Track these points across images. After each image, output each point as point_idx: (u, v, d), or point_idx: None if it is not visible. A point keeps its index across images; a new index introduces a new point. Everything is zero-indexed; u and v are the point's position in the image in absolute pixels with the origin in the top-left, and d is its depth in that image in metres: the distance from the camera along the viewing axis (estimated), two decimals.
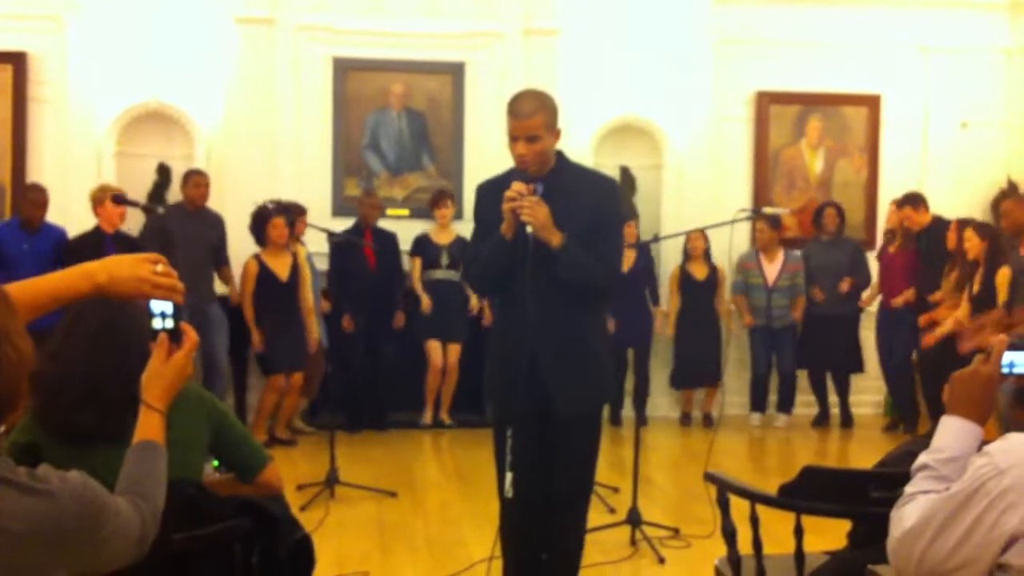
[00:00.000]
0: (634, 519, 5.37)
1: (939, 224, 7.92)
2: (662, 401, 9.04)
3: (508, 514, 3.84)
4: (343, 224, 8.34)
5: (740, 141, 9.37)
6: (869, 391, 9.00)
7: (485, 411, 8.64)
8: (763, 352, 8.75)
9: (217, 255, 8.02)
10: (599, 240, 3.76)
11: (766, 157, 9.39)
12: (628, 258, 8.26)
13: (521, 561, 4.04)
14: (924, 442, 2.27)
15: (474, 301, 8.40)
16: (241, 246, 8.02)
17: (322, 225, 7.68)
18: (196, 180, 7.89)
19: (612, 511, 5.74)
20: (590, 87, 8.90)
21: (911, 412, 8.41)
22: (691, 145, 9.05)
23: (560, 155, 3.89)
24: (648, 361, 8.73)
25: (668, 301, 8.90)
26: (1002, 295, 6.87)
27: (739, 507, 3.13)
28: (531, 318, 3.69)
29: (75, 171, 8.09)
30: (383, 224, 8.48)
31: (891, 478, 2.67)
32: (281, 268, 7.81)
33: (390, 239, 8.42)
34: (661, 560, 5.13)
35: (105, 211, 7.27)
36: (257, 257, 7.81)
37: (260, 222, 7.81)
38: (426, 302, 8.35)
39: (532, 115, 3.72)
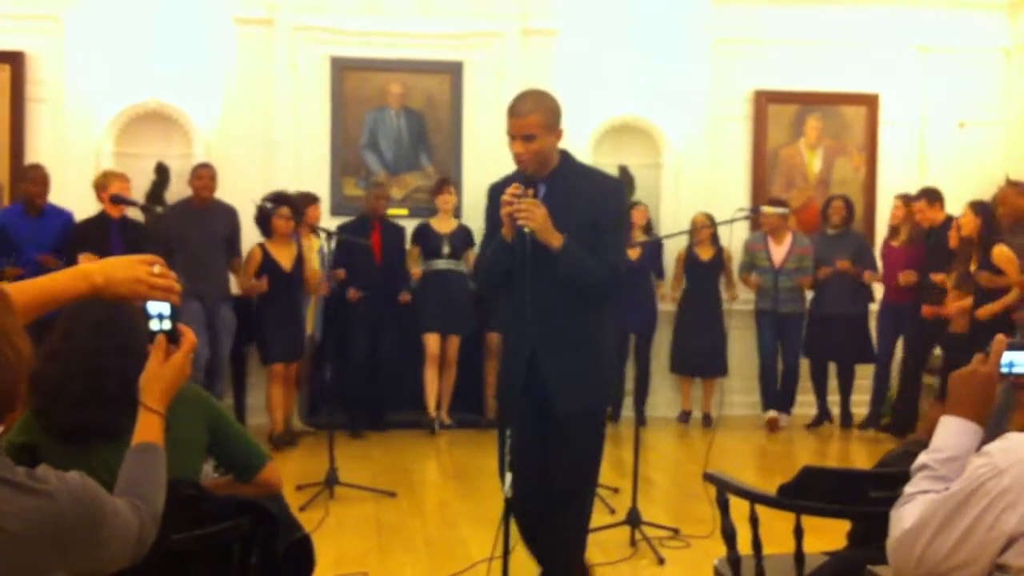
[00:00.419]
0: (634, 519, 5.37)
1: (950, 223, 7.90)
2: (661, 400, 9.03)
3: (513, 512, 3.83)
4: (341, 223, 8.35)
5: (738, 140, 9.37)
6: (870, 391, 8.98)
7: (484, 411, 8.67)
8: (770, 338, 8.71)
9: (230, 248, 7.95)
10: (601, 239, 3.76)
11: (764, 156, 9.39)
12: (633, 247, 8.29)
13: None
14: (922, 442, 2.27)
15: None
16: (245, 240, 8.03)
17: (321, 224, 7.70)
18: (199, 172, 7.87)
19: (612, 511, 5.73)
20: (588, 86, 8.90)
21: (912, 410, 8.39)
22: (689, 144, 9.06)
23: (564, 155, 3.89)
24: (649, 349, 8.74)
25: (671, 284, 8.89)
26: (1012, 272, 6.89)
27: (739, 507, 3.13)
28: (530, 317, 3.69)
29: (73, 171, 8.08)
30: None
31: (890, 478, 2.68)
32: (285, 258, 7.81)
33: (398, 232, 8.42)
34: (661, 560, 5.13)
35: (108, 196, 7.27)
36: (261, 246, 7.82)
37: (264, 217, 7.82)
38: (405, 296, 8.34)
39: (528, 114, 3.75)
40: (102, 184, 7.40)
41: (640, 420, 6.10)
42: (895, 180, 9.22)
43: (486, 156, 8.77)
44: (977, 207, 7.28)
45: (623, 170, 9.20)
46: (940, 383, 7.98)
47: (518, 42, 8.93)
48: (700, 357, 8.74)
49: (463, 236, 8.47)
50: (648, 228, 8.77)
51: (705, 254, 8.79)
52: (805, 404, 8.87)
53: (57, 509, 1.63)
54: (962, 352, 6.76)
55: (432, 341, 8.37)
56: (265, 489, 2.93)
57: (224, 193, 7.96)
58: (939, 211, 8.13)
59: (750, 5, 9.16)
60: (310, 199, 8.15)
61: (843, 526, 3.22)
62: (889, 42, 9.39)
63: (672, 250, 8.90)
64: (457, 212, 8.74)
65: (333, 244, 6.83)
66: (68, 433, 2.65)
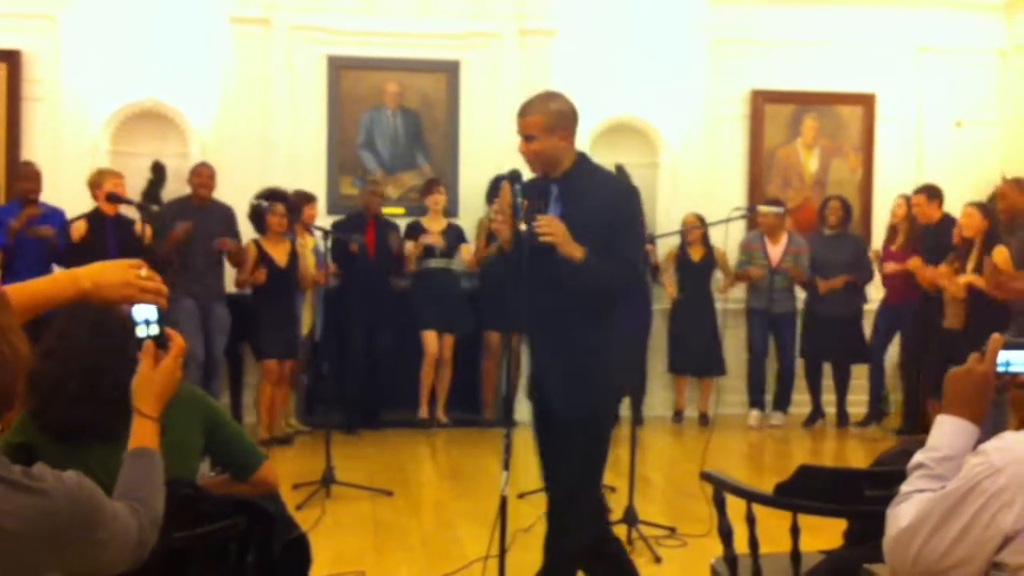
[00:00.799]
0: (630, 518, 5.37)
1: (947, 221, 7.89)
2: (657, 400, 9.03)
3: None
4: (336, 221, 8.37)
5: (735, 140, 9.38)
6: (866, 390, 8.99)
7: (481, 410, 8.68)
8: (761, 336, 8.74)
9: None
10: (617, 239, 3.77)
11: (761, 156, 9.40)
12: None
13: None
14: (918, 441, 2.27)
15: None
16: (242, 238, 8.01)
17: (317, 223, 7.70)
18: (199, 171, 7.88)
19: (608, 510, 5.72)
20: (585, 86, 8.85)
21: (915, 408, 8.41)
22: (686, 144, 9.06)
23: (580, 157, 3.93)
24: (645, 351, 8.75)
25: (665, 283, 8.89)
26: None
27: (735, 506, 3.14)
28: (527, 322, 3.73)
29: (69, 170, 8.06)
30: None
31: (886, 477, 2.68)
32: (280, 254, 7.81)
33: (392, 229, 8.42)
34: (657, 559, 5.14)
35: (103, 193, 7.28)
36: (256, 242, 7.82)
37: (258, 214, 7.82)
38: (397, 282, 8.35)
39: (529, 115, 3.80)
40: (96, 182, 7.41)
41: (637, 419, 6.11)
42: (892, 180, 9.24)
43: (482, 155, 8.78)
44: (982, 208, 7.28)
45: (619, 169, 9.19)
46: (931, 379, 7.99)
47: (515, 42, 8.94)
48: (695, 356, 8.76)
49: (454, 235, 8.48)
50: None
51: (696, 254, 8.80)
52: (802, 403, 8.88)
53: (53, 507, 1.63)
54: (954, 348, 6.82)
55: (431, 339, 8.37)
56: (262, 488, 2.93)
57: (221, 192, 7.96)
58: (937, 209, 8.13)
59: (747, 5, 9.17)
60: (307, 198, 8.16)
61: (839, 525, 3.22)
62: (886, 42, 9.40)
63: (666, 250, 8.92)
64: (453, 210, 8.74)
65: (329, 242, 6.83)
66: (64, 432, 2.66)
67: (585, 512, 3.98)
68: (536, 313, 3.70)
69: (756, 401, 8.82)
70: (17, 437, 2.64)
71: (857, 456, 7.77)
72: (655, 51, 8.95)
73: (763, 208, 8.15)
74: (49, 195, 7.60)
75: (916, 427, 8.14)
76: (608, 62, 8.91)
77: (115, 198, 7.09)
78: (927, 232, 8.12)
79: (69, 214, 7.52)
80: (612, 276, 3.76)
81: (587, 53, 8.92)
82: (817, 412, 8.80)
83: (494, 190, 8.59)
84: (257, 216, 7.81)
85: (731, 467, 6.99)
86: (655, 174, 9.17)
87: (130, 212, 7.52)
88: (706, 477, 3.40)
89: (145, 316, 2.23)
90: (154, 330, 2.23)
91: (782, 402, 8.81)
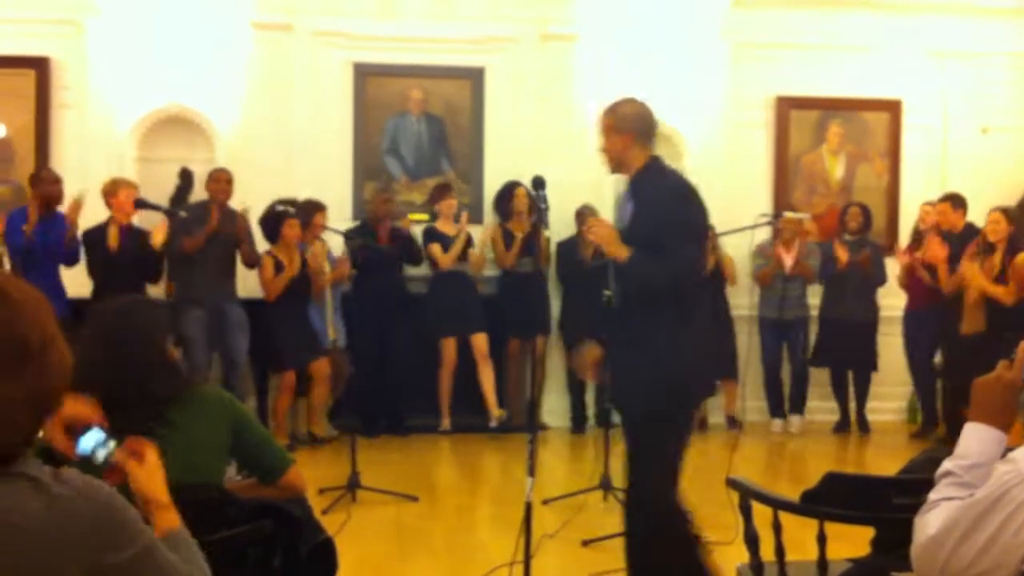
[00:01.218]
0: None
1: (970, 231, 7.87)
2: None
3: None
4: (348, 228, 8.39)
5: (760, 146, 9.35)
6: (889, 397, 8.95)
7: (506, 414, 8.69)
8: (772, 345, 8.72)
9: (242, 251, 7.91)
10: (665, 243, 3.86)
11: (786, 162, 9.36)
12: None
13: None
14: (947, 449, 2.26)
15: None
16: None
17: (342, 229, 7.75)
18: (217, 176, 7.90)
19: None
20: (607, 91, 8.84)
21: (932, 416, 8.39)
22: (709, 150, 9.03)
23: (651, 160, 4.09)
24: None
25: None
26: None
27: (761, 513, 3.12)
28: (603, 324, 3.97)
29: (97, 176, 8.10)
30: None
31: (914, 485, 2.66)
32: (291, 263, 7.85)
33: (404, 235, 8.45)
34: None
35: (117, 202, 7.35)
36: (270, 253, 7.86)
37: (271, 222, 7.85)
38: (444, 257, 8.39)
39: (601, 116, 4.14)
40: (111, 191, 7.47)
41: None
42: (918, 186, 9.20)
43: (506, 161, 8.79)
44: (1008, 213, 7.26)
45: None
46: (950, 386, 7.96)
47: (536, 47, 8.95)
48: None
49: (470, 240, 8.52)
50: None
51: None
52: (824, 410, 8.84)
53: (76, 510, 1.63)
54: (972, 354, 6.80)
55: (449, 346, 8.39)
56: (289, 492, 2.94)
57: (245, 198, 7.98)
58: (961, 217, 8.12)
59: (770, 10, 9.14)
60: (317, 206, 8.16)
61: (867, 533, 3.20)
62: (911, 48, 9.35)
63: None
64: (478, 216, 8.76)
65: (345, 246, 6.86)
66: None
67: (651, 514, 3.99)
68: (610, 315, 3.89)
69: (776, 410, 8.79)
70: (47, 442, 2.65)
71: (882, 463, 7.72)
72: (677, 56, 8.94)
73: (789, 214, 8.13)
74: None
75: (931, 433, 8.16)
76: (630, 67, 8.90)
77: (143, 204, 7.15)
78: (950, 240, 8.10)
79: (95, 220, 7.57)
80: (653, 276, 3.85)
81: (609, 58, 8.92)
82: (845, 420, 8.76)
83: (505, 196, 8.61)
84: (270, 224, 7.84)
85: (754, 474, 6.96)
86: None
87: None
88: (732, 484, 3.39)
89: (94, 442, 2.19)
90: (112, 444, 2.19)
91: (797, 406, 8.78)
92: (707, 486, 6.75)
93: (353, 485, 6.21)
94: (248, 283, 8.08)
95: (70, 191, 7.59)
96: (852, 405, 8.79)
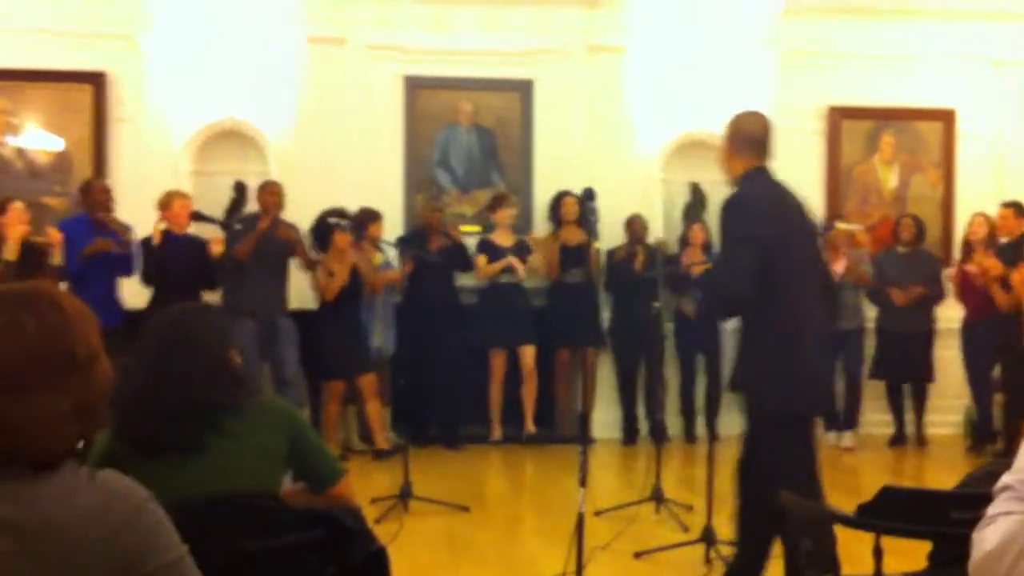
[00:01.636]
0: (708, 538, 5.31)
1: None
2: (735, 418, 8.91)
3: None
4: (399, 236, 8.48)
5: (811, 156, 9.27)
6: (947, 410, 8.82)
7: (556, 426, 8.69)
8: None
9: (294, 261, 8.00)
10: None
11: (838, 172, 9.29)
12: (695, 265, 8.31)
13: None
14: (1006, 462, 2.23)
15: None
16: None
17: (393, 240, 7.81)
18: (270, 188, 7.97)
19: (685, 529, 5.69)
20: (657, 103, 8.90)
21: (990, 429, 8.27)
22: None
23: (749, 170, 4.17)
24: (719, 368, 8.66)
25: None
26: None
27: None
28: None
29: (153, 189, 8.20)
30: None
31: (972, 499, 2.63)
32: (342, 271, 7.90)
33: (456, 244, 8.49)
34: None
35: (172, 213, 7.43)
36: (323, 265, 7.90)
37: (323, 231, 7.91)
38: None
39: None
40: (165, 203, 7.56)
41: (712, 435, 6.06)
42: (973, 196, 9.07)
43: (556, 172, 8.81)
44: None
45: (694, 187, 9.16)
46: (1009, 399, 7.86)
47: (585, 59, 8.96)
48: None
49: (522, 250, 8.52)
50: (707, 247, 8.62)
51: None
52: (879, 423, 8.74)
53: (110, 512, 1.65)
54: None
55: (498, 358, 8.40)
56: (338, 502, 2.95)
57: (297, 210, 8.05)
58: (1021, 225, 8.03)
59: (820, 19, 9.07)
60: (372, 215, 8.21)
61: (923, 547, 3.16)
62: (964, 56, 9.24)
63: None
64: (526, 227, 8.78)
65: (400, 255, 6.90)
66: (143, 445, 2.66)
67: (742, 522, 4.13)
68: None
69: (830, 424, 8.68)
70: (104, 449, 2.68)
71: (939, 477, 7.62)
72: (726, 66, 8.90)
73: (841, 225, 8.06)
74: (133, 214, 7.74)
75: (989, 446, 8.04)
76: (678, 78, 8.89)
77: (199, 216, 7.23)
78: (1005, 249, 8.00)
79: (150, 231, 7.66)
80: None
81: (658, 69, 8.91)
82: (901, 433, 8.65)
83: (554, 205, 8.63)
84: (321, 233, 7.90)
85: None
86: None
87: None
88: (781, 500, 3.36)
89: None
90: None
91: (851, 421, 8.67)
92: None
93: (405, 495, 6.24)
94: (299, 294, 8.14)
95: (126, 203, 7.70)
96: (908, 418, 8.67)
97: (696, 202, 9.12)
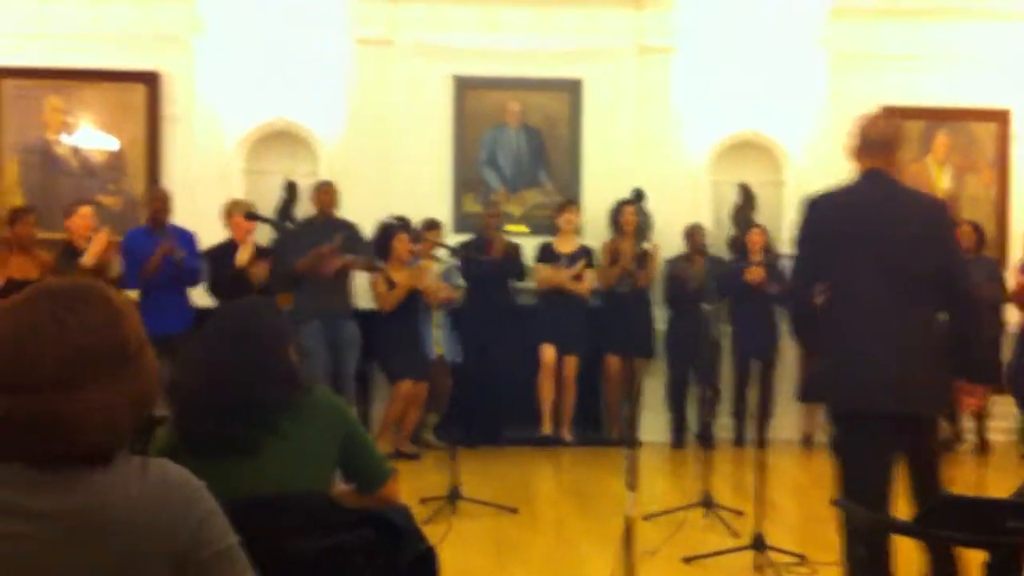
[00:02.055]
0: (758, 544, 5.25)
1: None
2: (785, 422, 8.83)
3: None
4: (462, 240, 8.49)
5: None
6: (1005, 417, 8.67)
7: (603, 428, 8.66)
8: None
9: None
10: None
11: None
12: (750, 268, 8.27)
13: None
14: None
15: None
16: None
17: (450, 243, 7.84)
18: (325, 188, 8.02)
19: (736, 535, 5.64)
20: (706, 103, 8.85)
21: None
22: (811, 161, 8.86)
23: (863, 173, 4.23)
24: (773, 375, 8.58)
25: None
26: None
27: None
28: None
29: (204, 187, 8.31)
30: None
31: None
32: (403, 279, 7.93)
33: (513, 248, 8.51)
34: None
35: (235, 223, 7.48)
36: (382, 272, 7.95)
37: (385, 237, 7.94)
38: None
39: None
40: (229, 211, 7.60)
41: (762, 441, 6.01)
42: None
43: (605, 173, 8.78)
44: None
45: (744, 188, 9.10)
46: None
47: (634, 59, 8.92)
48: None
49: (584, 256, 8.49)
50: (767, 250, 8.56)
51: None
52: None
53: (164, 501, 1.65)
54: None
55: (548, 352, 8.40)
56: (384, 503, 2.94)
57: (347, 210, 8.09)
58: None
59: (870, 19, 8.98)
60: (431, 224, 8.30)
61: (979, 556, 3.11)
62: (1018, 56, 9.09)
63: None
64: (578, 230, 8.77)
65: (455, 260, 6.91)
66: (201, 444, 2.68)
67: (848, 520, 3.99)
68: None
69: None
70: (164, 443, 2.70)
71: (999, 484, 7.49)
72: (776, 66, 8.84)
73: None
74: (186, 212, 7.79)
75: None
76: (728, 78, 8.83)
77: (254, 216, 7.27)
78: None
79: (203, 229, 7.71)
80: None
81: (707, 69, 8.86)
82: (956, 438, 8.51)
83: (614, 214, 8.59)
84: (382, 242, 7.95)
85: None
86: (779, 192, 9.02)
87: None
88: (838, 504, 3.33)
89: None
90: None
91: None
92: (811, 504, 6.65)
93: (454, 496, 6.24)
94: (364, 294, 8.19)
95: (180, 201, 7.76)
96: (967, 424, 8.51)
97: (745, 203, 9.06)
